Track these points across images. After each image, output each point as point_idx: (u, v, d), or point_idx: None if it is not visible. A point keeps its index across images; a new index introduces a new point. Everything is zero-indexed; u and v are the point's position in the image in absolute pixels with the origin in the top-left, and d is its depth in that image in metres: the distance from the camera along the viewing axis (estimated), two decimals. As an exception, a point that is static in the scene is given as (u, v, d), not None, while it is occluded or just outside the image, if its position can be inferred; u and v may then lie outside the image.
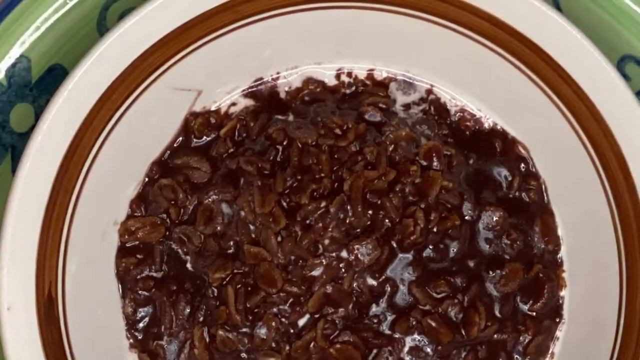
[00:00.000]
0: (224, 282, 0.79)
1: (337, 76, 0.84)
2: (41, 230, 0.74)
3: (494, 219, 0.81)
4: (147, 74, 0.77)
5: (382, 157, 0.79)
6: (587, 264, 0.81)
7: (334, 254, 0.78)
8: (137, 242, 0.82)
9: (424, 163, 0.80)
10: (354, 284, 0.79)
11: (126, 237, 0.81)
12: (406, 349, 0.79)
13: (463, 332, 0.79)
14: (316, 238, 0.78)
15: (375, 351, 0.79)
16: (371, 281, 0.79)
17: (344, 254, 0.78)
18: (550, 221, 0.83)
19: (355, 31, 0.80)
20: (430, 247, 0.79)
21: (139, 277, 0.81)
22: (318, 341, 0.78)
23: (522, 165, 0.83)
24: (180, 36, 0.76)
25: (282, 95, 0.84)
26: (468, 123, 0.84)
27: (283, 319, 0.78)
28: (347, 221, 0.78)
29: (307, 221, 0.78)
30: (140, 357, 0.81)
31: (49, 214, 0.75)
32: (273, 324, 0.78)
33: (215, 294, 0.79)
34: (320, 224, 0.77)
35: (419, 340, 0.79)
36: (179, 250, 0.81)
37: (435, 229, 0.79)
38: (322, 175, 0.78)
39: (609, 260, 0.78)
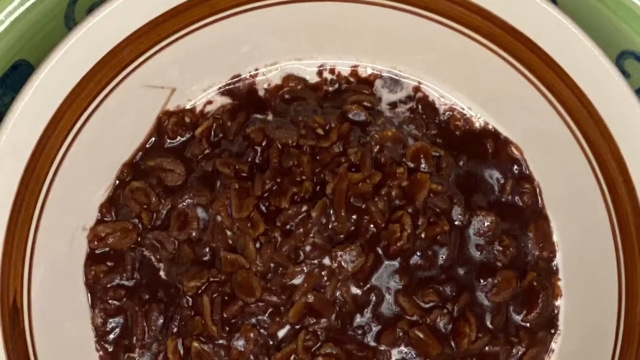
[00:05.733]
0: (199, 291, 0.78)
1: (319, 73, 0.83)
2: (5, 235, 0.74)
3: (486, 224, 0.80)
4: (118, 71, 0.76)
5: (366, 158, 0.78)
6: (584, 271, 0.81)
7: (315, 261, 0.77)
8: (107, 249, 0.81)
9: (411, 165, 0.80)
10: (337, 293, 0.78)
11: (95, 243, 0.81)
12: (392, 361, 0.80)
13: (452, 344, 0.78)
14: (297, 244, 0.77)
15: (359, 364, 0.79)
16: (355, 290, 0.78)
17: (327, 261, 0.77)
18: (545, 226, 0.82)
19: (338, 25, 0.80)
20: (418, 254, 0.79)
21: (109, 285, 0.81)
22: (299, 354, 0.77)
23: (515, 167, 0.83)
24: (152, 31, 0.76)
25: (261, 93, 0.83)
26: (458, 122, 0.83)
27: (262, 330, 0.78)
28: (330, 226, 0.77)
29: (288, 226, 0.77)
30: (111, 370, 0.82)
31: (14, 218, 0.74)
32: (251, 335, 0.77)
33: (190, 304, 0.79)
34: (302, 230, 0.77)
35: (405, 352, 0.78)
36: (152, 257, 0.81)
37: (423, 235, 0.78)
38: (303, 177, 0.78)
39: (607, 268, 0.78)
